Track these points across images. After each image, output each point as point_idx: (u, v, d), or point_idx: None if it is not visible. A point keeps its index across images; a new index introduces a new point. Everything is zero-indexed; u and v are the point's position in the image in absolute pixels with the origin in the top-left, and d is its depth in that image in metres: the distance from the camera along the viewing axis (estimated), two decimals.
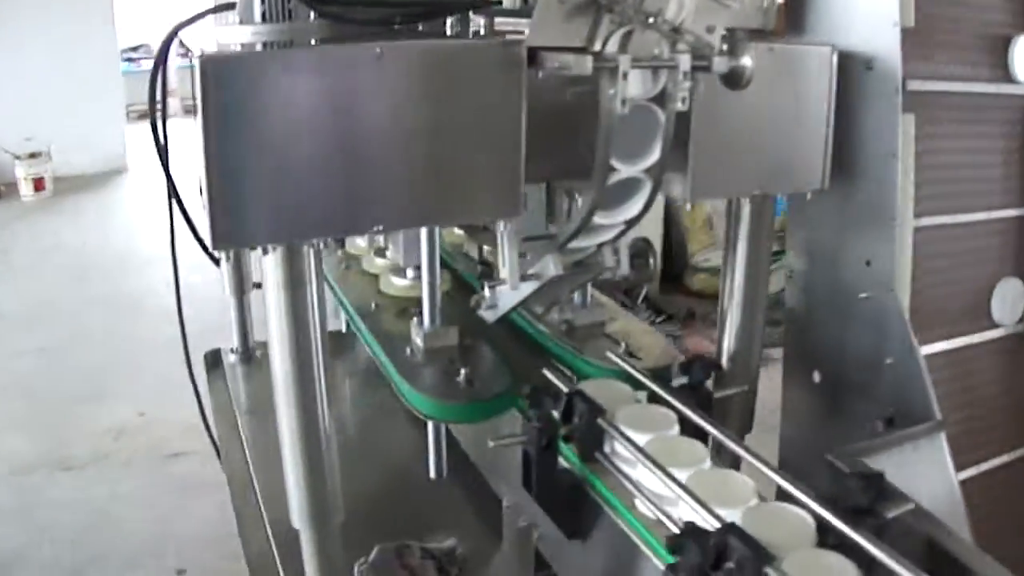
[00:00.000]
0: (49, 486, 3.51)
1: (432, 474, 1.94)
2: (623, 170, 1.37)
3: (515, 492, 1.60)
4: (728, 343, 1.79)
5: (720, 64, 1.28)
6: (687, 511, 1.21)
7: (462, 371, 1.69)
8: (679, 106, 1.29)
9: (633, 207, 1.44)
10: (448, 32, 1.65)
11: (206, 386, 2.63)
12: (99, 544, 3.15)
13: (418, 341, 1.83)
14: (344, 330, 2.73)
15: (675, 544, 1.07)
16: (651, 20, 1.24)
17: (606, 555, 1.42)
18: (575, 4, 1.23)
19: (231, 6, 1.86)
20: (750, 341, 1.79)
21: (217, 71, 1.14)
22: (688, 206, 1.57)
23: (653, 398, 1.53)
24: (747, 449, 1.31)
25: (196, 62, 1.14)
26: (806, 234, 1.83)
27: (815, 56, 1.55)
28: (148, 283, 5.64)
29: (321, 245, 1.34)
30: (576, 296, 1.95)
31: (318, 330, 1.40)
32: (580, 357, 1.79)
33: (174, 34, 1.81)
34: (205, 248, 2.38)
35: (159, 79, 1.83)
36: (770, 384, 1.98)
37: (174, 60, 1.86)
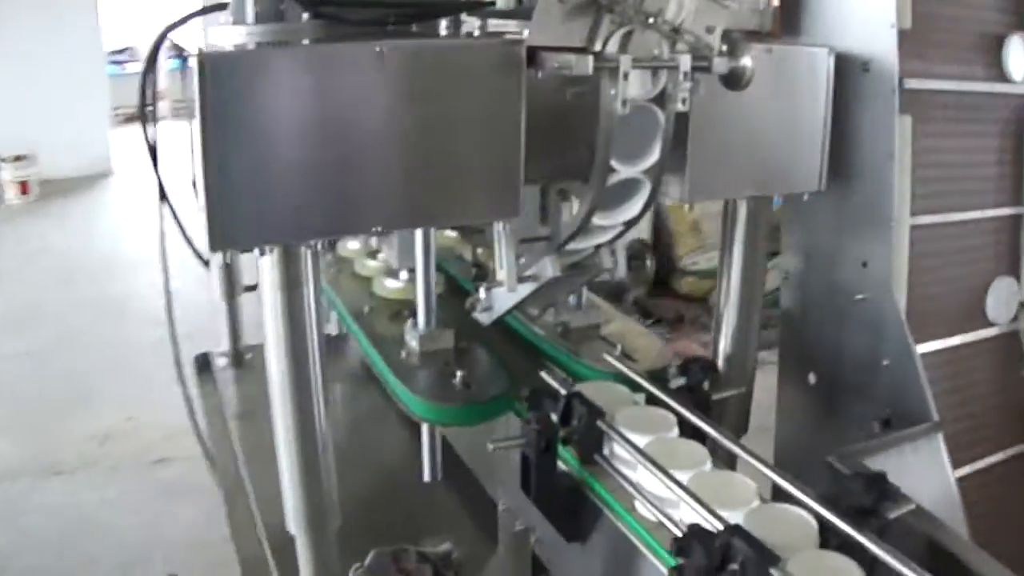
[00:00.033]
0: (35, 492, 3.47)
1: (427, 477, 1.93)
2: (623, 171, 1.36)
3: (511, 495, 1.59)
4: (724, 345, 1.79)
5: (720, 65, 1.28)
6: (689, 513, 1.20)
7: (458, 374, 1.68)
8: (679, 107, 1.28)
9: (632, 208, 1.43)
10: (443, 33, 1.64)
11: (194, 390, 2.60)
12: (86, 550, 3.12)
13: (413, 344, 1.82)
14: (334, 333, 2.71)
15: (681, 546, 1.06)
16: (651, 20, 1.23)
17: (605, 558, 1.40)
18: (575, 4, 1.22)
19: (222, 7, 1.85)
20: (746, 343, 1.79)
21: (216, 68, 1.13)
22: (687, 208, 1.56)
23: (651, 400, 1.52)
24: (749, 452, 1.30)
25: (194, 59, 1.13)
26: (802, 236, 1.83)
27: (812, 57, 1.55)
28: (134, 287, 5.60)
29: (319, 247, 1.33)
30: (571, 298, 1.95)
31: (315, 332, 1.39)
32: (577, 359, 1.78)
33: (164, 35, 1.79)
34: (196, 251, 2.38)
35: (149, 81, 1.82)
36: (761, 384, 1.98)
37: (164, 62, 1.83)
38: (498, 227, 1.48)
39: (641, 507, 1.31)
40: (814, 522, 1.16)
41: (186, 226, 2.13)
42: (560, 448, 1.43)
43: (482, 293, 1.79)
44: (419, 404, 1.67)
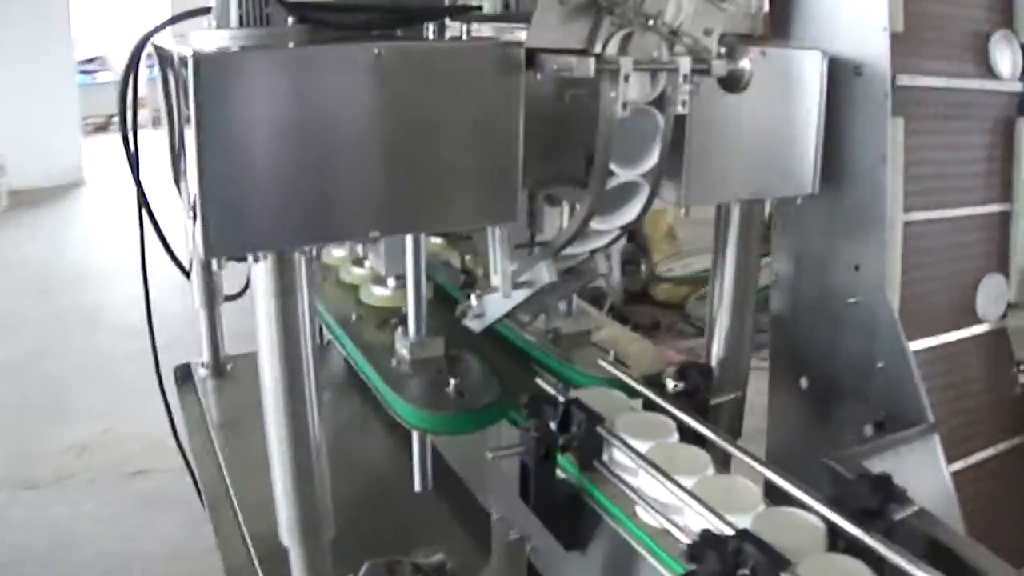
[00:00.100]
0: (11, 505, 3.41)
1: (417, 487, 1.90)
2: (621, 174, 1.35)
3: (506, 504, 1.58)
4: (717, 348, 1.79)
5: (719, 67, 1.28)
6: (694, 518, 1.19)
7: (451, 381, 1.66)
8: (679, 109, 1.27)
9: (629, 212, 1.42)
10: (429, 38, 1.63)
11: (176, 401, 2.57)
12: (64, 564, 3.07)
13: (403, 352, 1.80)
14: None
15: (694, 552, 1.05)
16: (651, 23, 1.23)
17: (605, 565, 1.39)
18: (575, 5, 1.21)
19: (205, 11, 1.82)
20: (739, 346, 1.78)
21: (211, 70, 1.11)
22: (677, 213, 1.55)
23: (647, 406, 1.51)
24: (753, 456, 1.30)
25: (189, 61, 1.10)
26: (794, 239, 1.83)
27: (806, 60, 1.56)
28: (108, 297, 5.54)
29: (313, 252, 1.31)
30: (561, 304, 1.93)
31: (309, 340, 1.36)
32: (571, 366, 1.77)
33: (145, 41, 1.77)
34: (176, 259, 2.35)
35: (129, 88, 1.79)
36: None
37: (143, 70, 1.80)
38: (493, 232, 1.47)
39: (643, 513, 1.30)
40: (822, 525, 1.15)
41: (166, 235, 2.11)
42: (557, 455, 1.42)
43: (473, 300, 1.77)
44: (412, 413, 1.64)
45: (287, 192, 1.18)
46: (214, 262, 1.23)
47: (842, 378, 1.78)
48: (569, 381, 1.69)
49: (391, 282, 2.09)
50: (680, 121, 1.37)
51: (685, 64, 1.25)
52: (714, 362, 1.79)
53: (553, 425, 1.39)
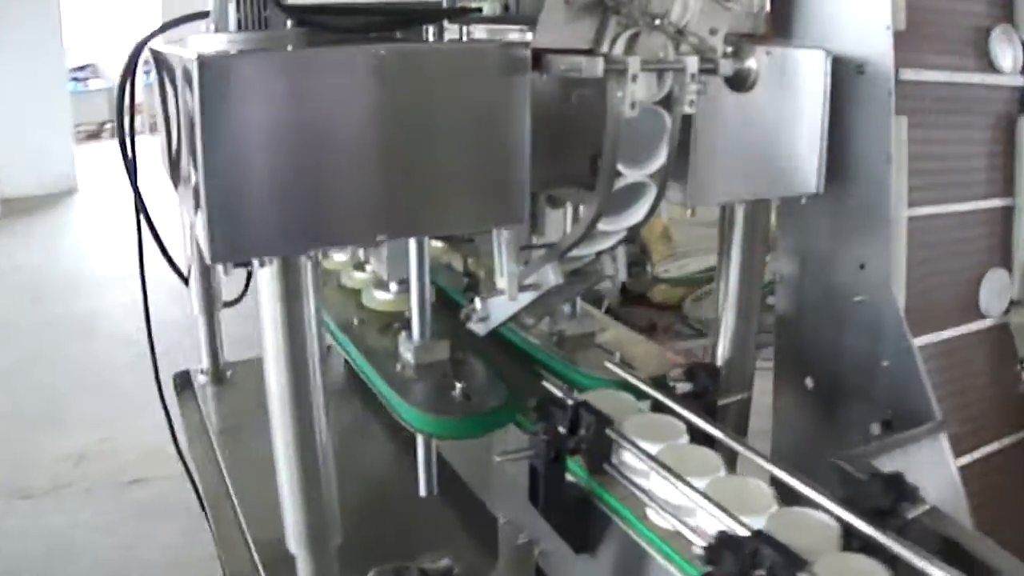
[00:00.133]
0: (6, 515, 3.40)
1: (422, 492, 1.89)
2: (629, 175, 1.35)
3: (512, 508, 1.57)
4: (723, 349, 1.78)
5: (726, 66, 1.27)
6: (707, 520, 1.18)
7: (457, 385, 1.65)
8: (686, 109, 1.27)
9: (636, 213, 1.42)
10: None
11: (176, 409, 2.55)
12: (61, 574, 3.07)
13: (408, 356, 1.79)
14: None
15: (712, 554, 1.04)
16: (657, 22, 1.22)
17: (615, 568, 1.38)
18: (581, 5, 1.21)
19: (203, 15, 1.82)
20: (745, 347, 1.78)
21: (215, 73, 1.09)
22: (688, 212, 1.55)
23: (656, 407, 1.51)
24: (766, 457, 1.29)
25: (193, 64, 1.09)
26: (797, 239, 1.83)
27: (810, 59, 1.55)
28: (102, 305, 5.53)
29: (319, 257, 1.30)
30: (565, 306, 1.93)
31: (315, 345, 1.35)
32: (576, 368, 1.76)
33: (143, 46, 1.76)
34: (174, 266, 2.33)
35: (127, 93, 1.78)
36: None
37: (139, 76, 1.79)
38: (499, 235, 1.46)
39: (654, 515, 1.29)
40: (835, 525, 1.15)
41: (164, 241, 2.09)
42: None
43: (478, 303, 1.77)
44: (418, 417, 1.64)
45: (293, 196, 1.17)
46: (218, 268, 1.22)
47: (847, 377, 1.77)
48: (576, 383, 1.68)
49: (393, 286, 2.08)
50: (685, 121, 1.36)
51: (692, 63, 1.24)
52: (720, 363, 1.78)
53: (561, 428, 1.38)
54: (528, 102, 1.25)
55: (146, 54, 1.74)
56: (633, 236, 1.50)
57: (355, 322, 2.06)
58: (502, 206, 1.29)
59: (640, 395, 1.53)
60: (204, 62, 1.09)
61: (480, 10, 1.85)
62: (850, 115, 1.64)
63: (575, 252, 1.48)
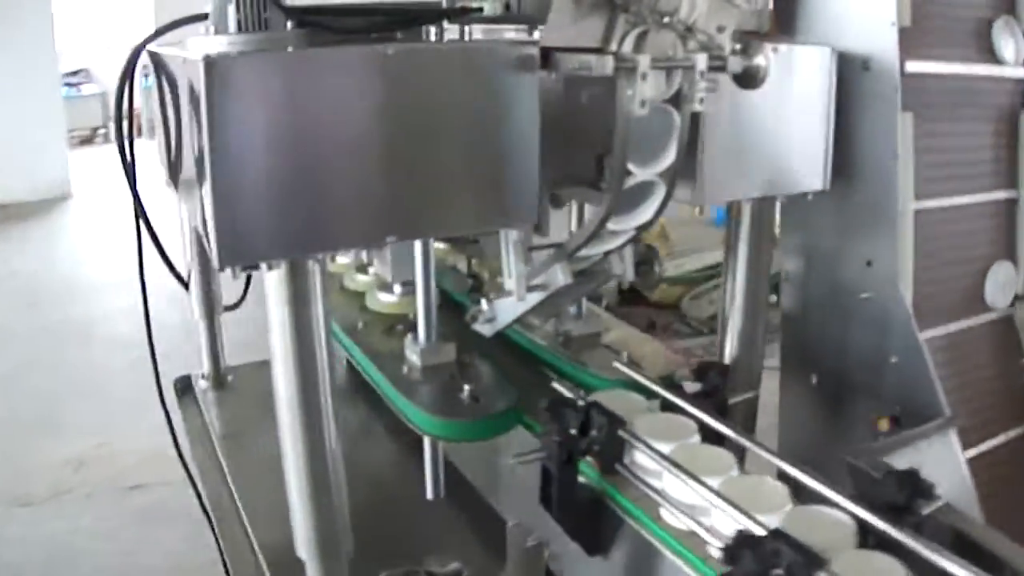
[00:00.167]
0: (7, 523, 3.38)
1: (430, 495, 1.88)
2: (639, 173, 1.34)
3: (524, 510, 1.56)
4: (730, 348, 1.77)
5: (735, 64, 1.27)
6: (722, 519, 1.18)
7: (466, 387, 1.64)
8: (696, 107, 1.26)
9: (645, 212, 1.41)
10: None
11: (177, 414, 2.53)
12: None
13: (414, 358, 1.78)
14: None
15: (732, 554, 1.04)
16: (666, 20, 1.22)
17: (629, 569, 1.38)
18: (590, 3, 1.20)
19: (202, 17, 1.81)
20: (752, 345, 1.77)
21: (223, 73, 1.08)
22: (699, 211, 1.54)
23: (665, 407, 1.50)
24: (779, 456, 1.29)
25: (200, 64, 1.08)
26: (803, 236, 1.82)
27: (816, 56, 1.55)
28: (99, 310, 5.51)
29: (327, 260, 1.30)
30: (571, 307, 1.92)
31: (324, 348, 1.34)
32: (587, 369, 1.76)
33: (141, 49, 1.75)
34: (174, 270, 2.32)
35: (125, 96, 1.77)
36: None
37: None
38: (506, 235, 1.46)
39: (668, 515, 1.29)
40: (852, 522, 1.14)
41: (163, 245, 2.07)
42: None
43: (484, 304, 1.76)
44: (427, 420, 1.63)
45: (302, 198, 1.16)
46: (228, 271, 1.21)
47: (855, 374, 1.77)
48: (584, 384, 1.68)
49: (397, 288, 2.07)
50: (693, 119, 1.36)
51: (702, 61, 1.24)
52: (727, 361, 1.78)
53: (572, 430, 1.38)
54: (537, 101, 1.24)
55: (143, 58, 1.73)
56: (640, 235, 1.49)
57: (359, 325, 2.05)
58: (513, 206, 1.28)
59: (650, 395, 1.53)
60: (211, 62, 1.08)
61: (481, 10, 1.84)
62: (856, 112, 1.64)
63: (583, 252, 1.47)
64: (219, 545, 2.01)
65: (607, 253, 1.54)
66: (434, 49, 1.26)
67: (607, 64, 1.16)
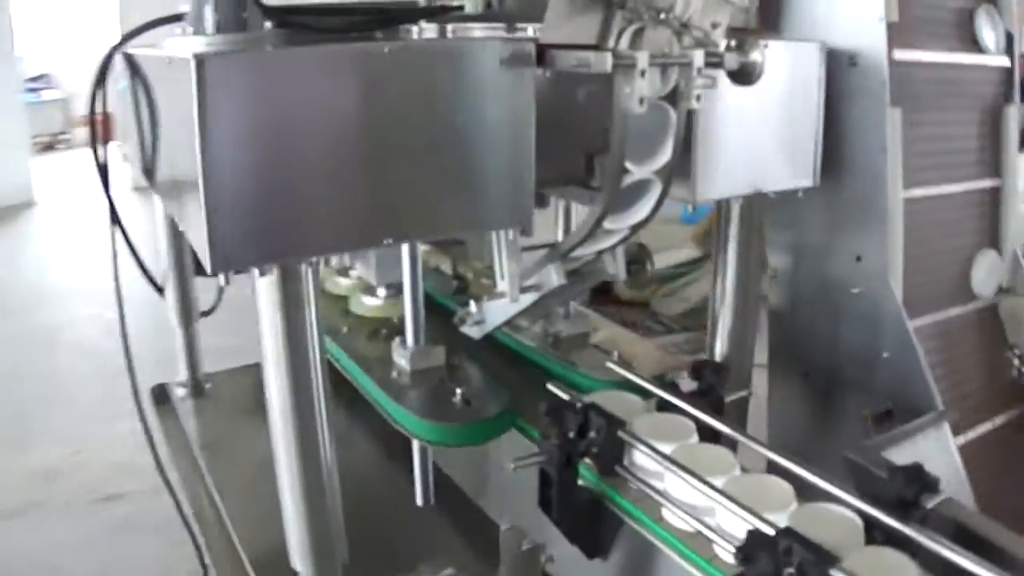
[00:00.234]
0: None
1: (419, 501, 1.85)
2: (636, 172, 1.32)
3: (514, 513, 1.55)
4: (720, 346, 1.77)
5: (731, 60, 1.26)
6: (728, 519, 1.17)
7: (457, 391, 1.62)
8: (693, 104, 1.25)
9: (640, 211, 1.39)
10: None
11: (154, 422, 2.48)
12: None
13: (402, 362, 1.76)
14: None
15: (746, 554, 1.02)
16: (662, 16, 1.20)
17: (630, 571, 1.37)
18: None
19: (177, 18, 1.77)
20: (742, 344, 1.77)
21: (216, 72, 1.04)
22: (691, 208, 1.53)
23: (662, 407, 1.49)
24: (783, 454, 1.28)
25: (191, 63, 1.05)
26: (792, 233, 1.82)
27: (805, 52, 1.55)
28: (66, 318, 5.41)
29: (321, 263, 1.27)
30: (559, 307, 1.90)
31: (317, 353, 1.32)
32: (578, 370, 1.74)
33: (116, 50, 1.72)
34: (149, 277, 2.28)
35: (98, 99, 1.74)
36: None
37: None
38: (499, 236, 1.43)
39: (670, 516, 1.27)
40: (858, 519, 1.14)
41: (138, 252, 2.03)
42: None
43: (473, 306, 1.74)
44: (419, 425, 1.60)
45: (297, 200, 1.13)
46: (220, 277, 1.18)
47: (845, 370, 1.77)
48: (576, 385, 1.66)
49: (381, 291, 2.04)
50: (688, 116, 1.35)
51: (699, 58, 1.23)
52: (717, 359, 1.77)
53: (571, 432, 1.36)
54: (532, 99, 1.22)
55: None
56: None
57: (344, 329, 2.02)
58: (508, 207, 1.26)
59: (645, 395, 1.52)
60: (202, 61, 1.05)
61: (462, 8, 1.83)
62: (843, 107, 1.64)
63: (577, 252, 1.46)
64: (200, 556, 1.98)
65: (600, 252, 1.52)
66: (430, 47, 1.23)
67: (606, 61, 1.15)
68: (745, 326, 1.75)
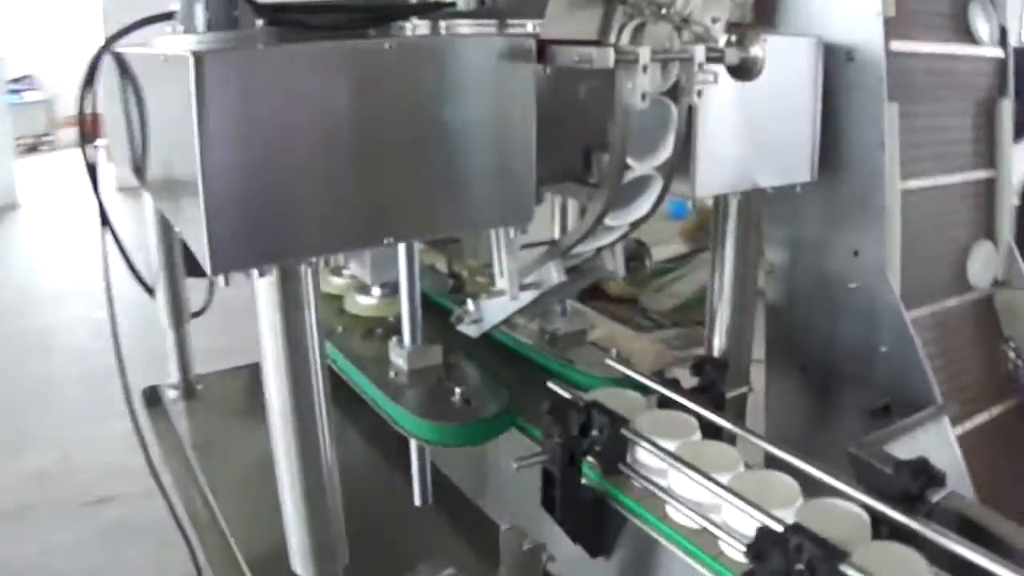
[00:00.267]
0: None
1: (417, 501, 1.84)
2: (637, 168, 1.32)
3: (514, 512, 1.54)
4: (719, 342, 1.76)
5: (731, 55, 1.25)
6: (734, 516, 1.16)
7: (456, 390, 1.61)
8: (694, 99, 1.24)
9: (641, 207, 1.39)
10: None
11: (146, 424, 2.46)
12: None
13: (400, 362, 1.75)
14: None
15: (756, 551, 1.02)
16: (663, 11, 1.20)
17: (633, 570, 1.36)
18: None
19: (167, 16, 1.76)
20: (740, 339, 1.76)
21: (215, 70, 1.03)
22: (691, 204, 1.53)
23: (663, 403, 1.48)
24: (784, 448, 1.27)
25: (190, 61, 1.03)
26: (789, 228, 1.82)
27: (803, 47, 1.54)
28: (55, 320, 5.37)
29: (320, 264, 1.26)
30: (556, 304, 1.90)
31: (317, 355, 1.30)
32: (574, 368, 1.73)
33: (105, 49, 1.70)
34: (139, 278, 2.26)
35: (87, 99, 1.72)
36: None
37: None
38: (498, 233, 1.42)
39: (675, 514, 1.27)
40: (865, 514, 1.14)
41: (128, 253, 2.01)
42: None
43: (470, 304, 1.73)
44: (418, 425, 1.59)
45: (297, 200, 1.12)
46: (220, 278, 1.16)
47: (843, 365, 1.77)
48: (575, 383, 1.65)
49: (376, 290, 2.03)
50: (689, 112, 1.34)
51: (700, 53, 1.22)
52: (715, 355, 1.76)
53: (574, 430, 1.35)
54: (533, 95, 1.22)
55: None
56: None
57: (339, 329, 2.01)
58: (509, 204, 1.25)
59: (646, 391, 1.51)
60: (201, 58, 1.03)
61: (454, 4, 1.81)
62: (841, 103, 1.64)
63: (577, 249, 1.45)
64: (194, 559, 1.96)
65: (599, 249, 1.51)
66: (432, 43, 1.22)
67: (608, 56, 1.14)
68: (743, 322, 1.75)
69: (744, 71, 1.27)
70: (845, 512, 1.15)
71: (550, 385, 1.48)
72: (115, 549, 3.21)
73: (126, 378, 2.16)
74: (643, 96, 1.18)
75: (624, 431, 1.33)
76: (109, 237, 1.84)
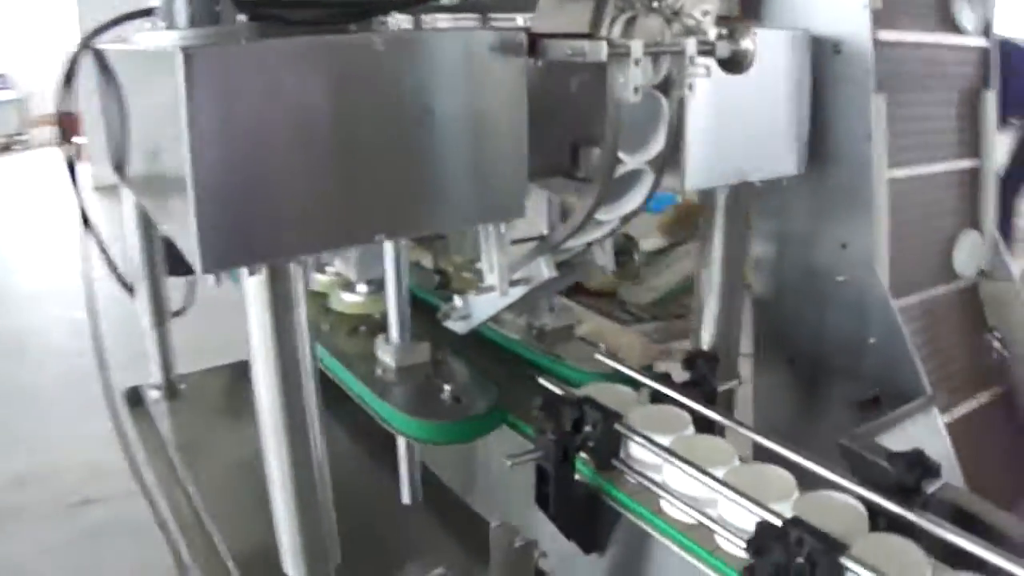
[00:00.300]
0: None
1: (406, 499, 1.83)
2: (629, 162, 1.31)
3: (504, 510, 1.53)
4: (707, 336, 1.76)
5: (722, 48, 1.25)
6: (731, 510, 1.16)
7: (445, 388, 1.60)
8: (685, 92, 1.24)
9: (632, 201, 1.38)
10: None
11: (129, 425, 2.43)
12: None
13: (387, 359, 1.73)
14: None
15: (757, 545, 1.02)
16: (654, 4, 1.19)
17: (628, 565, 1.36)
18: None
19: (147, 12, 1.73)
20: (728, 333, 1.76)
21: (205, 66, 1.01)
22: (680, 198, 1.52)
23: (655, 398, 1.48)
24: (778, 442, 1.27)
25: (178, 57, 1.01)
26: (777, 222, 1.82)
27: (791, 40, 1.54)
28: (30, 321, 5.31)
29: (309, 262, 1.24)
30: (543, 300, 1.89)
31: (307, 354, 1.29)
32: (564, 363, 1.73)
33: (84, 46, 1.68)
34: (119, 277, 2.23)
35: (66, 98, 1.70)
36: None
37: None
38: (487, 229, 1.41)
39: (670, 509, 1.26)
40: (861, 506, 1.14)
41: (111, 251, 1.99)
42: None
43: (458, 300, 1.72)
44: (408, 423, 1.58)
45: (288, 196, 1.10)
46: (210, 278, 1.15)
47: (831, 357, 1.77)
48: (565, 379, 1.64)
49: (362, 287, 2.02)
50: (679, 105, 1.33)
51: (691, 46, 1.21)
52: (704, 349, 1.76)
53: (567, 426, 1.35)
54: (524, 90, 1.20)
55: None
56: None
57: (325, 327, 1.99)
58: (502, 199, 1.24)
59: (637, 386, 1.51)
60: (190, 55, 1.01)
61: None
62: (828, 95, 1.64)
63: (567, 243, 1.44)
64: (178, 558, 1.94)
65: (589, 244, 1.51)
66: (423, 37, 1.20)
67: (601, 50, 1.13)
68: (731, 315, 1.74)
69: (735, 64, 1.27)
70: (842, 505, 1.15)
71: (541, 381, 1.47)
72: (99, 550, 3.18)
73: (108, 378, 2.13)
74: (635, 89, 1.17)
75: (617, 426, 1.33)
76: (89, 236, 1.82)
